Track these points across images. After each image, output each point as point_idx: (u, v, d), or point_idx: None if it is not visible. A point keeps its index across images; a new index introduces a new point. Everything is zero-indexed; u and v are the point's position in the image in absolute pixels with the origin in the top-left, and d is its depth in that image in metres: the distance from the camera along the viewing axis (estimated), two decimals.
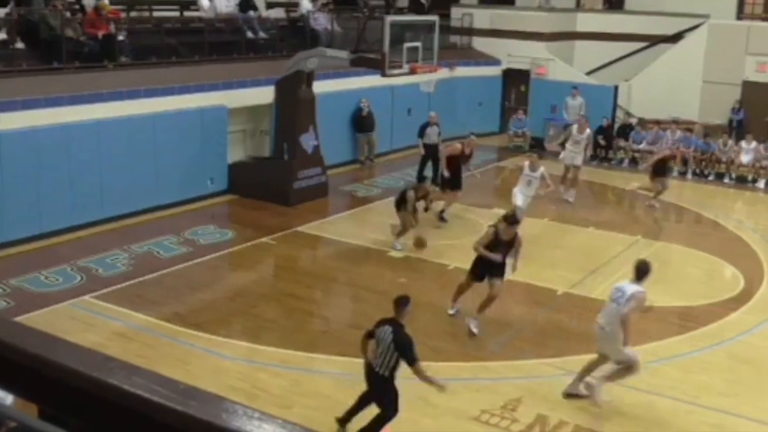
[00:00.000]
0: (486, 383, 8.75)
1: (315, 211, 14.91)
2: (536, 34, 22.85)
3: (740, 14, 23.24)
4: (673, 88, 21.38)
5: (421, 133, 16.84)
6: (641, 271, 8.07)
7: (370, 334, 7.20)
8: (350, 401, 7.44)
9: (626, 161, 20.35)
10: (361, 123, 18.37)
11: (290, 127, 15.44)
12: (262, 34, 17.81)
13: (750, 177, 18.83)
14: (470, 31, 23.62)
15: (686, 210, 16.60)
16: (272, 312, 10.59)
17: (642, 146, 20.03)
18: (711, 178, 19.15)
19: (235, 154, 16.09)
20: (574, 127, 17.08)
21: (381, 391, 7.10)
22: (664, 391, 8.61)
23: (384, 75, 19.07)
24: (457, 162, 14.49)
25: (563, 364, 9.16)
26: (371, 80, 18.75)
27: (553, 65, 22.54)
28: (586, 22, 23.83)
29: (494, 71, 23.05)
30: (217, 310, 10.53)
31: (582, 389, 8.27)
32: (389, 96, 19.25)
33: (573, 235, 13.40)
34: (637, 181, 18.14)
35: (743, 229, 15.12)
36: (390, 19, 19.24)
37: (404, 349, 6.90)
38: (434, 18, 20.77)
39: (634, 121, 21.09)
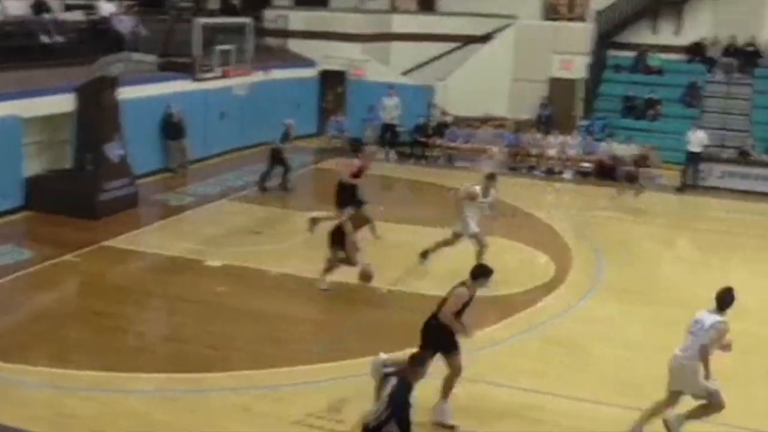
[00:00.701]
0: (311, 386, 8.81)
1: (124, 224, 14.41)
2: (352, 36, 23.40)
3: (546, 15, 25.00)
4: (486, 86, 22.68)
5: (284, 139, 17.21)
6: (724, 301, 7.70)
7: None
8: (169, 418, 7.27)
9: (442, 159, 21.29)
10: (172, 129, 17.95)
11: (93, 136, 14.85)
12: (58, 38, 16.99)
13: (557, 169, 20.31)
14: (285, 33, 23.79)
15: (502, 203, 17.56)
16: (80, 332, 10.13)
17: (458, 143, 21.11)
18: (523, 171, 20.46)
19: (32, 167, 15.20)
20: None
21: None
22: (487, 377, 9.09)
23: (195, 79, 18.89)
24: (359, 175, 13.58)
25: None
26: (181, 85, 18.40)
27: (370, 66, 23.15)
28: (401, 23, 24.70)
29: (310, 73, 23.34)
30: (17, 335, 9.91)
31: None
32: (202, 101, 18.96)
33: (393, 233, 13.81)
34: (452, 178, 18.89)
35: (553, 218, 16.27)
36: (200, 21, 19.07)
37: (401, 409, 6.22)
38: (247, 20, 20.77)
39: (449, 119, 22.11)
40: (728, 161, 19.90)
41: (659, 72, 23.45)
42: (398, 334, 10.05)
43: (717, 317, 7.60)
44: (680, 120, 21.27)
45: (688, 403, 7.82)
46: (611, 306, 11.65)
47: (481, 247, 12.12)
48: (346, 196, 13.01)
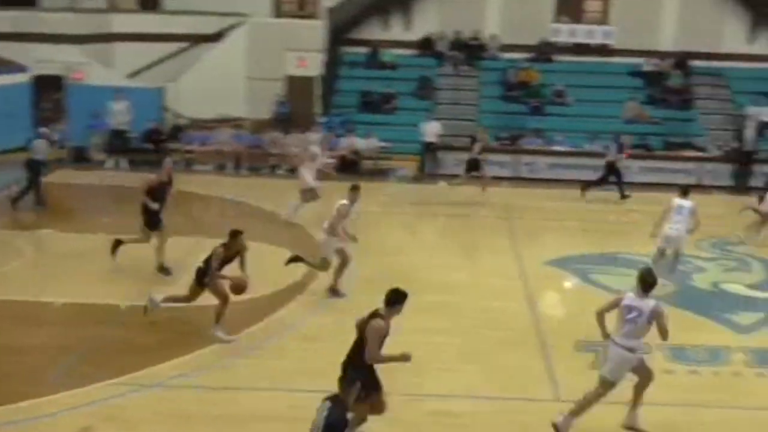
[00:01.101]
0: (46, 420, 7.92)
1: None
2: (67, 37, 21.83)
3: (277, 13, 25.01)
4: (220, 86, 22.14)
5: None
6: (647, 283, 8.06)
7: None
8: None
9: (179, 163, 20.43)
10: None
11: None
12: None
13: None
14: None
15: (246, 205, 17.25)
16: None
17: (195, 147, 20.44)
18: (265, 171, 20.26)
19: None
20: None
21: None
22: (243, 383, 8.84)
23: None
24: (162, 193, 12.69)
25: (134, 380, 8.87)
26: None
27: (91, 69, 21.68)
28: (123, 22, 23.42)
29: (21, 79, 21.31)
30: None
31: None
32: None
33: (131, 246, 12.92)
34: (193, 184, 18.21)
35: (302, 216, 16.21)
36: None
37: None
38: None
39: (184, 122, 21.34)
40: (461, 149, 21.12)
41: (393, 67, 24.43)
42: (141, 352, 9.48)
43: (651, 301, 8.00)
44: (415, 112, 22.32)
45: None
46: (363, 297, 11.74)
47: (345, 261, 11.93)
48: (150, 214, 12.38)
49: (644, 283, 8.05)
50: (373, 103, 23.24)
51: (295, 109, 22.84)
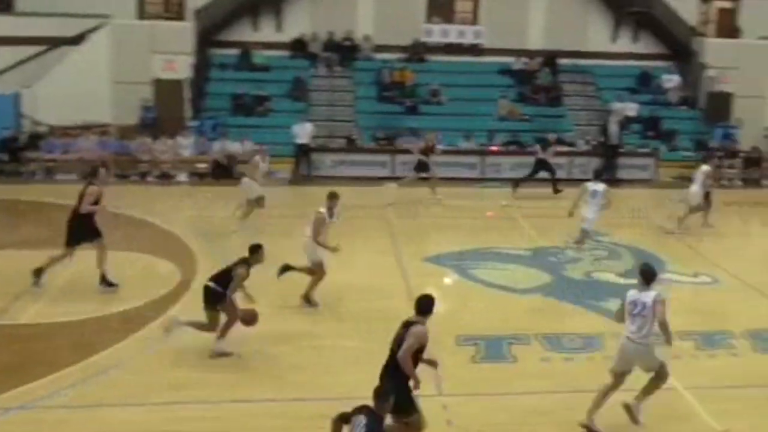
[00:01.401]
0: None
1: None
2: None
3: (142, 14, 24.24)
4: (82, 91, 21.26)
5: None
6: (647, 276, 8.38)
7: (344, 419, 6.43)
8: None
9: (40, 173, 19.55)
10: None
11: None
12: None
13: (171, 172, 19.85)
14: None
15: (117, 214, 16.60)
16: None
17: (56, 155, 19.56)
18: (134, 178, 19.61)
19: None
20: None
21: None
22: (119, 400, 8.52)
23: None
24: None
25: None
26: None
27: None
28: None
29: None
30: None
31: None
32: None
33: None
34: (54, 194, 17.39)
35: (172, 223, 15.77)
36: None
37: None
38: None
39: (44, 129, 20.38)
40: (338, 150, 21.16)
41: (265, 69, 24.16)
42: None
43: (652, 292, 8.27)
44: (290, 114, 22.15)
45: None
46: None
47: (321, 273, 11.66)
48: (83, 228, 11.74)
49: (644, 277, 8.42)
50: (245, 106, 22.92)
51: (164, 113, 22.21)
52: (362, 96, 23.79)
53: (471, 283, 13.05)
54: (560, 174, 21.03)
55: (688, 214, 16.41)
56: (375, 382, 9.18)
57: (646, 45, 26.04)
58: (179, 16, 24.32)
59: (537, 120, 23.47)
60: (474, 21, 25.61)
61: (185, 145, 20.32)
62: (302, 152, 20.43)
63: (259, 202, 15.86)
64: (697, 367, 10.06)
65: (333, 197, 11.72)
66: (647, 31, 25.87)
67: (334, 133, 22.15)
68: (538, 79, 24.67)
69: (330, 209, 11.64)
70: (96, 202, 11.85)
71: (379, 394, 6.58)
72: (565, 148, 21.99)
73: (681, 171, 21.23)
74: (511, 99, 23.98)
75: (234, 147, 19.97)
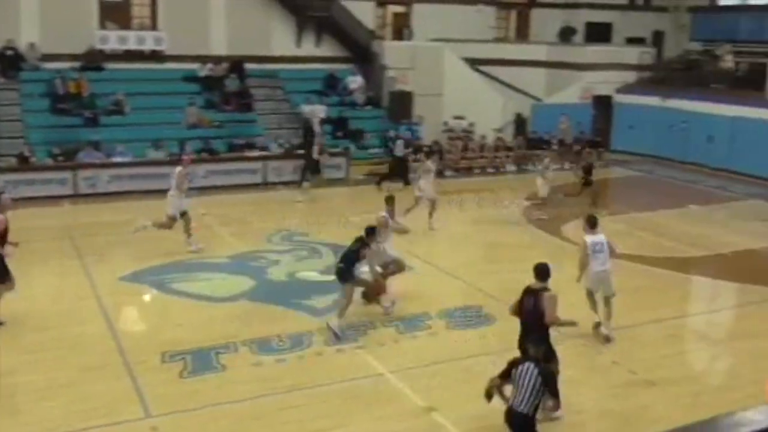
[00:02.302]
0: None
1: None
2: None
3: None
4: None
5: None
6: (593, 223, 11.17)
7: (505, 376, 7.49)
8: None
9: None
10: None
11: None
12: None
13: None
14: None
15: None
16: None
17: None
18: None
19: None
20: None
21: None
22: None
23: None
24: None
25: None
26: None
27: None
28: None
29: None
30: None
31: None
32: None
33: None
34: None
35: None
36: None
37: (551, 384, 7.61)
38: None
39: None
40: (8, 170, 19.50)
41: None
42: None
43: (602, 234, 11.15)
44: None
45: None
46: None
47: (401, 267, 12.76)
48: None
49: (590, 224, 11.15)
50: None
51: None
52: (32, 109, 22.08)
53: (172, 297, 12.75)
54: (256, 179, 21.30)
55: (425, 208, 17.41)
56: (70, 411, 8.69)
57: (329, 48, 27.20)
58: None
59: (228, 126, 23.51)
60: (153, 27, 25.00)
61: None
62: None
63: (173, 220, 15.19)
64: (399, 350, 10.73)
65: (390, 201, 13.56)
66: (329, 34, 27.04)
67: (2, 152, 20.36)
68: (227, 86, 24.71)
69: (390, 212, 13.25)
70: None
71: (534, 341, 7.84)
72: (258, 153, 22.26)
73: (371, 168, 22.51)
74: (200, 106, 23.77)
75: None
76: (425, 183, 17.54)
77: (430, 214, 17.26)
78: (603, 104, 28.99)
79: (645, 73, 29.99)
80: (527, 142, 26.24)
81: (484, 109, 26.75)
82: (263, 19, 26.07)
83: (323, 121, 23.94)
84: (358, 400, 9.22)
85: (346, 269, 11.26)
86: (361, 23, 27.30)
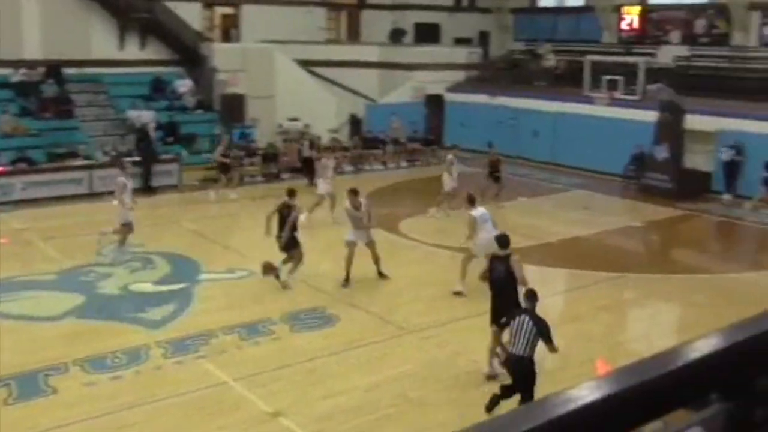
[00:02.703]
0: None
1: None
2: None
3: None
4: None
5: None
6: (472, 199, 13.46)
7: (505, 324, 9.09)
8: None
9: None
10: None
11: None
12: None
13: None
14: None
15: None
16: None
17: None
18: None
19: None
20: None
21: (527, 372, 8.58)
22: None
23: None
24: None
25: None
26: None
27: None
28: None
29: None
30: None
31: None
32: None
33: None
34: None
35: None
36: None
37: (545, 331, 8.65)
38: None
39: None
40: None
41: None
42: None
43: (481, 208, 13.27)
44: None
45: None
46: None
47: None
48: None
49: (470, 200, 13.31)
50: None
51: None
52: None
53: (1, 319, 11.92)
54: (81, 189, 20.33)
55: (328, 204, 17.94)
56: None
57: (155, 51, 26.43)
58: None
59: (47, 135, 22.28)
60: None
61: None
62: None
63: (129, 227, 15.15)
64: (243, 357, 10.57)
65: (353, 193, 13.81)
66: (154, 37, 26.27)
67: None
68: (44, 92, 23.45)
69: (353, 205, 13.61)
70: None
71: (532, 295, 8.94)
72: (81, 162, 21.22)
73: (205, 173, 22.05)
74: (14, 113, 22.43)
75: None
76: (323, 181, 18.28)
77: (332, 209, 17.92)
78: (435, 103, 29.84)
79: (473, 72, 31.16)
80: (363, 142, 26.58)
81: (319, 110, 26.88)
82: (81, 22, 24.98)
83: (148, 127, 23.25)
84: (202, 412, 9.00)
85: (289, 237, 13.21)
86: (188, 25, 26.72)
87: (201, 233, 16.84)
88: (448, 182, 19.13)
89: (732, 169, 21.62)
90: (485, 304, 12.67)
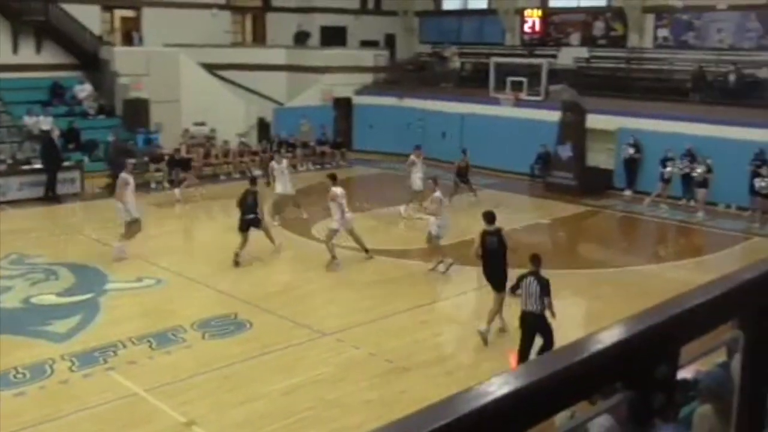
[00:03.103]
0: None
1: None
2: None
3: None
4: None
5: None
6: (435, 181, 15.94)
7: (515, 288, 10.51)
8: None
9: None
10: None
11: None
12: None
13: None
14: None
15: None
16: None
17: None
18: None
19: None
20: None
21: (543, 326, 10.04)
22: None
23: None
24: None
25: None
26: None
27: None
28: None
29: None
30: None
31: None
32: None
33: None
34: None
35: None
36: None
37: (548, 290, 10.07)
38: None
39: None
40: None
41: None
42: None
43: (437, 193, 15.20)
44: None
45: None
46: None
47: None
48: None
49: (435, 182, 15.59)
50: None
51: None
52: None
53: None
54: None
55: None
56: None
57: (52, 55, 25.59)
58: None
59: None
60: None
61: None
62: None
63: (136, 225, 15.55)
64: (154, 367, 10.37)
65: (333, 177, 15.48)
66: (51, 40, 25.45)
67: None
68: None
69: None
70: None
71: (536, 258, 10.29)
72: None
73: (108, 181, 21.47)
74: None
75: None
76: (279, 181, 18.55)
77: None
78: (343, 106, 29.88)
79: (381, 75, 31.34)
80: (272, 145, 26.37)
81: (226, 114, 26.54)
82: None
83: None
84: (112, 425, 8.79)
85: (255, 216, 14.93)
86: (86, 28, 25.99)
87: (106, 242, 16.41)
88: (417, 181, 19.40)
89: (632, 166, 22.49)
90: (399, 304, 12.81)
